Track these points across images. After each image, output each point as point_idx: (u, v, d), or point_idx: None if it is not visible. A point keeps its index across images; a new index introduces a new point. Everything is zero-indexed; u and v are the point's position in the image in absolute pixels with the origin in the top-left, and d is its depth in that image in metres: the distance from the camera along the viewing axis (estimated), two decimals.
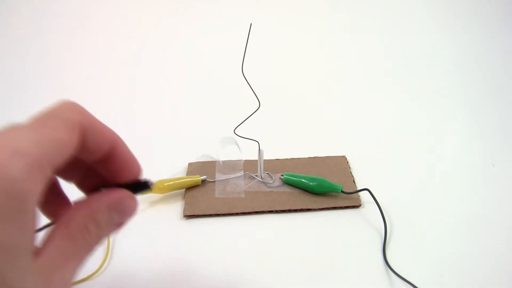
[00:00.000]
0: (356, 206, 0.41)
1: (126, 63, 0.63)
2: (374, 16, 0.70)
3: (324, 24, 0.69)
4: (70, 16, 0.69)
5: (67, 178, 0.27)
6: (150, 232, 0.39)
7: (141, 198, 0.42)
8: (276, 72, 0.62)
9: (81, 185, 0.27)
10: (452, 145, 0.49)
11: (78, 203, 0.24)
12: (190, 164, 0.46)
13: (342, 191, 0.41)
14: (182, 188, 0.42)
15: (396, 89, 0.59)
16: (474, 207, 0.41)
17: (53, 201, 0.25)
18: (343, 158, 0.46)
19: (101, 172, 0.26)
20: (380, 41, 0.67)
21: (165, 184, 0.41)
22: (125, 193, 0.25)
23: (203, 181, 0.43)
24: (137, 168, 0.27)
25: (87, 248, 0.23)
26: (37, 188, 0.19)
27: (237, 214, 0.40)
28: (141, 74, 0.62)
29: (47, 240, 0.22)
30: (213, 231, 0.39)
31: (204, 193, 0.42)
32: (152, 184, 0.27)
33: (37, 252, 0.21)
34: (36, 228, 0.20)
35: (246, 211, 0.40)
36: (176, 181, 0.42)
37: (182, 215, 0.40)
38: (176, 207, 0.41)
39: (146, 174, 0.43)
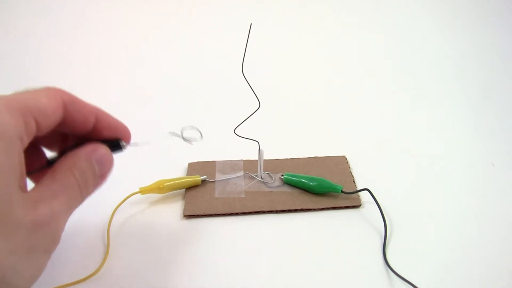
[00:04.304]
0: (356, 206, 0.41)
1: (125, 63, 0.63)
2: (374, 16, 0.70)
3: (324, 24, 0.69)
4: (70, 16, 0.69)
5: (50, 146, 0.30)
6: (150, 232, 0.39)
7: (141, 198, 0.42)
8: (276, 72, 0.62)
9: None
10: (452, 145, 0.49)
11: (62, 158, 0.26)
12: (190, 164, 0.46)
13: (342, 191, 0.41)
14: (182, 188, 0.42)
15: (396, 89, 0.59)
16: (474, 207, 0.41)
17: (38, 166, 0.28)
18: (343, 158, 0.46)
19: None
20: (380, 41, 0.67)
21: (165, 184, 0.41)
22: (98, 144, 0.28)
23: (203, 181, 0.43)
24: (124, 131, 0.30)
25: (74, 188, 0.25)
26: (17, 125, 0.22)
27: (237, 214, 0.40)
28: (141, 74, 0.62)
29: (36, 184, 0.24)
30: (213, 231, 0.39)
31: (204, 193, 0.42)
32: (124, 145, 0.30)
33: (25, 189, 0.23)
34: (21, 164, 0.22)
35: (246, 211, 0.40)
36: (176, 181, 0.42)
37: (182, 215, 0.40)
38: (176, 207, 0.41)
39: (147, 174, 0.44)
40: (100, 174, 0.27)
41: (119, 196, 0.40)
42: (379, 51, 0.65)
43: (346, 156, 0.46)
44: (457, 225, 0.39)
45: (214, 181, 0.43)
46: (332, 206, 0.40)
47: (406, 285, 0.33)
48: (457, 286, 0.34)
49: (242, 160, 0.46)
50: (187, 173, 0.45)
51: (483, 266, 0.35)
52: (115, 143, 0.30)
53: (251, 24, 0.35)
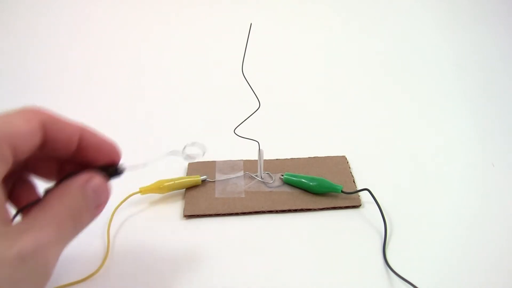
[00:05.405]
0: (356, 206, 0.41)
1: (125, 64, 0.63)
2: (374, 17, 0.70)
3: (324, 25, 0.69)
4: (70, 16, 0.69)
5: (46, 175, 0.28)
6: (150, 232, 0.39)
7: (141, 198, 0.42)
8: (276, 72, 0.62)
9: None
10: (452, 145, 0.49)
11: (53, 188, 0.25)
12: (190, 164, 0.46)
13: (342, 191, 0.41)
14: (182, 188, 0.42)
15: (396, 89, 0.59)
16: (474, 207, 0.41)
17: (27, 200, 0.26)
18: (343, 158, 0.46)
19: (80, 164, 0.27)
20: (380, 41, 0.67)
21: (165, 184, 0.41)
22: (92, 173, 0.26)
23: (203, 181, 0.43)
24: (113, 151, 0.28)
25: (66, 219, 0.24)
26: None
27: (237, 214, 0.40)
28: (141, 74, 0.62)
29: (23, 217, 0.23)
30: (213, 231, 0.39)
31: (204, 193, 0.42)
32: (123, 168, 0.28)
33: (9, 222, 0.22)
34: (2, 197, 0.21)
35: (246, 211, 0.40)
36: (176, 181, 0.42)
37: (182, 215, 0.40)
38: (176, 207, 0.41)
39: (146, 174, 0.43)
40: (95, 204, 0.26)
41: (119, 196, 0.40)
42: (379, 51, 0.65)
43: (346, 156, 0.46)
44: (457, 225, 0.39)
45: (214, 181, 0.43)
46: (332, 206, 0.40)
47: (406, 285, 0.33)
48: (457, 286, 0.34)
49: (242, 160, 0.46)
50: (187, 173, 0.45)
51: (483, 266, 0.35)
52: (114, 169, 0.28)
53: (251, 24, 0.35)
